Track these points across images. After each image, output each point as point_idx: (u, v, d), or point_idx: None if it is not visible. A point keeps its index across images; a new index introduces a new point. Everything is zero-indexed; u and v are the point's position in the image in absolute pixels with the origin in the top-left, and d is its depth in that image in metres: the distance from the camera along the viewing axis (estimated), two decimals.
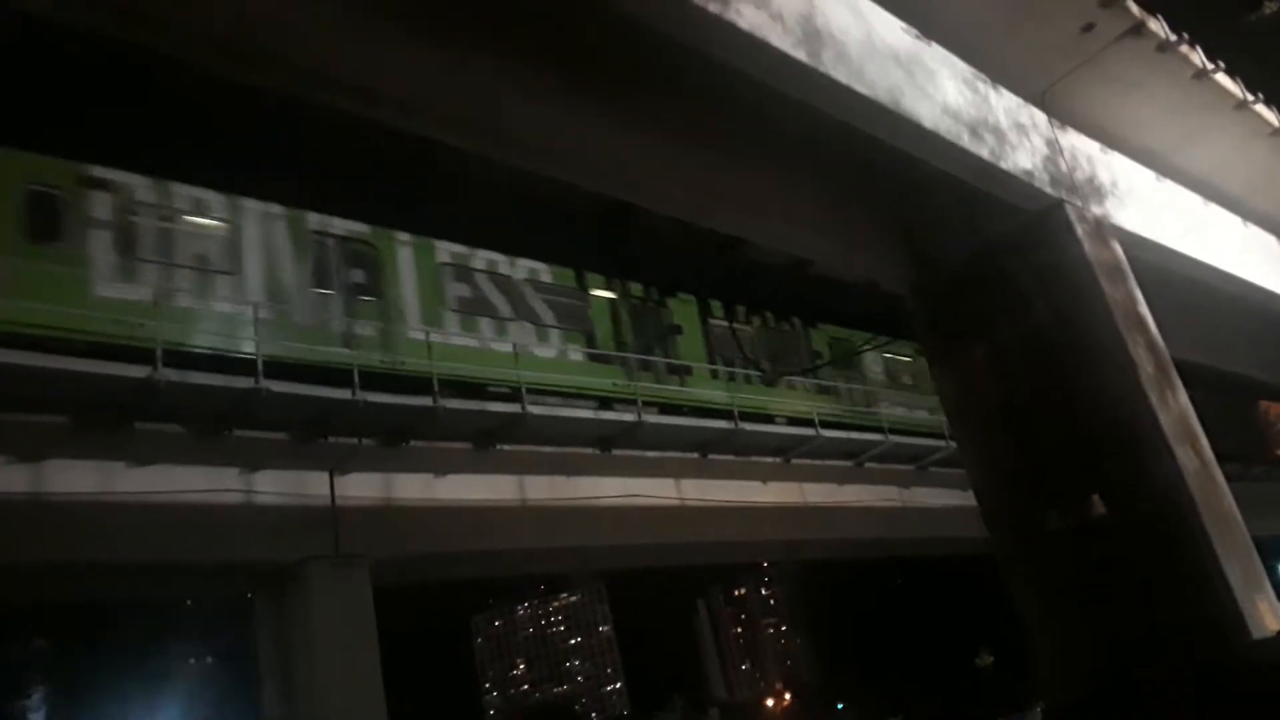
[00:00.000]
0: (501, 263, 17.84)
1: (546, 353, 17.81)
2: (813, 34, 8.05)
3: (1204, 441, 10.17)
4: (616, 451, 18.63)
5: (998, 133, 10.12)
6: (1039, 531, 10.17)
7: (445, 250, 17.07)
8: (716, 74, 7.86)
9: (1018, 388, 10.63)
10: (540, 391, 16.86)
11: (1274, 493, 30.10)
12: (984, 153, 9.73)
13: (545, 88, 8.34)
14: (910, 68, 9.25)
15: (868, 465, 22.95)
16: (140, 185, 13.75)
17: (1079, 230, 10.54)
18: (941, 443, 22.46)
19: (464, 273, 17.29)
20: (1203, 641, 8.77)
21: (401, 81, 7.82)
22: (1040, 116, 11.03)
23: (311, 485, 15.05)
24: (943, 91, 9.56)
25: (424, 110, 8.29)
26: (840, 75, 8.25)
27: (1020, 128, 10.55)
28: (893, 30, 9.28)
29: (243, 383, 13.37)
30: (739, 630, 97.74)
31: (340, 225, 15.89)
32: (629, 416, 18.13)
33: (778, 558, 29.15)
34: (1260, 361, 18.42)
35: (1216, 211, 14.07)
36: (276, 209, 15.06)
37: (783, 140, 9.31)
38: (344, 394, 14.50)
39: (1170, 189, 13.12)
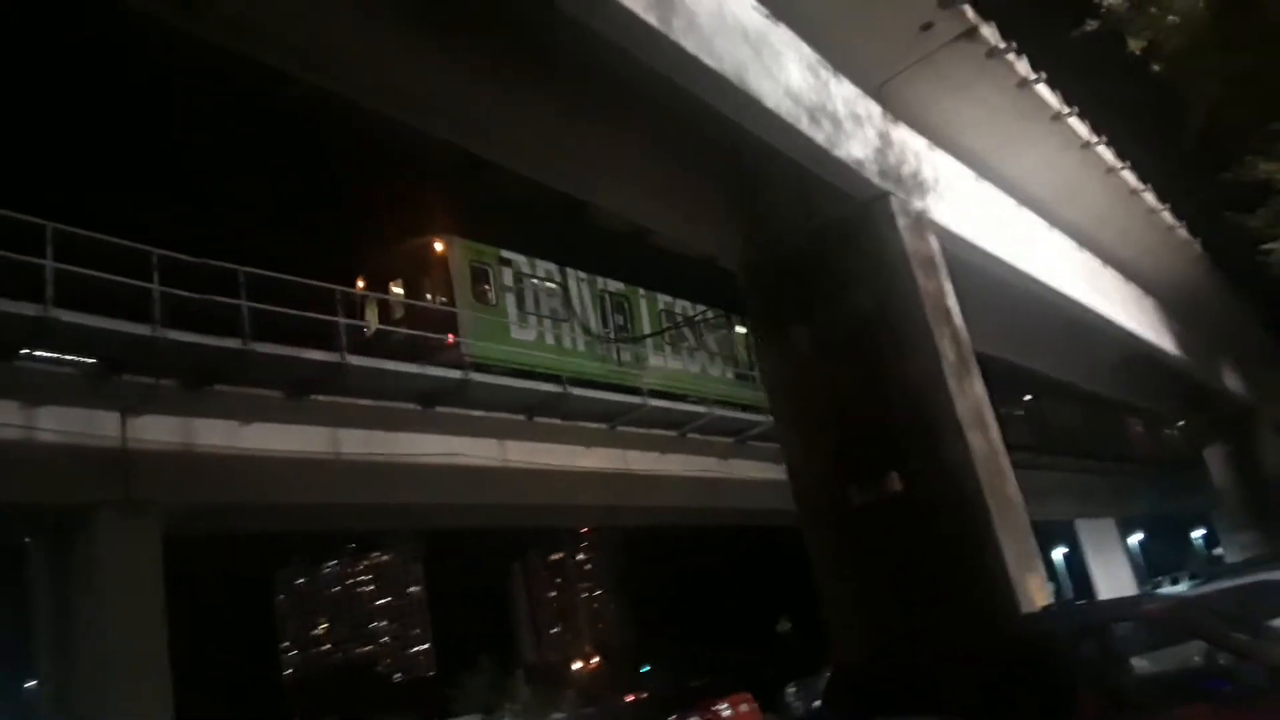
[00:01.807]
0: (687, 306, 24.18)
1: (715, 371, 24.40)
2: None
3: (994, 428, 10.93)
4: (440, 409, 18.23)
5: (835, 120, 10.42)
6: (842, 506, 10.67)
7: (660, 299, 23.57)
8: (568, 30, 7.69)
9: (835, 369, 11.06)
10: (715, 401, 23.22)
11: (1053, 481, 32.96)
12: (820, 138, 10.00)
13: (388, 27, 7.96)
14: (758, 46, 9.36)
15: (690, 436, 23.45)
16: (522, 260, 20.27)
17: (900, 222, 11.04)
18: (761, 417, 23.27)
19: (670, 315, 23.69)
20: (980, 613, 9.46)
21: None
22: (875, 109, 11.43)
23: (102, 425, 13.94)
24: (787, 74, 9.74)
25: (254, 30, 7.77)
26: (689, 45, 8.23)
27: (856, 118, 10.90)
28: (744, 7, 9.35)
29: (29, 309, 12.28)
30: (553, 594, 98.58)
31: (612, 285, 22.34)
32: (454, 373, 17.77)
33: (597, 523, 29.46)
34: (1052, 359, 19.96)
35: (1026, 215, 15.07)
36: (582, 274, 21.55)
37: (632, 106, 9.23)
38: (142, 329, 13.54)
39: (987, 190, 13.93)
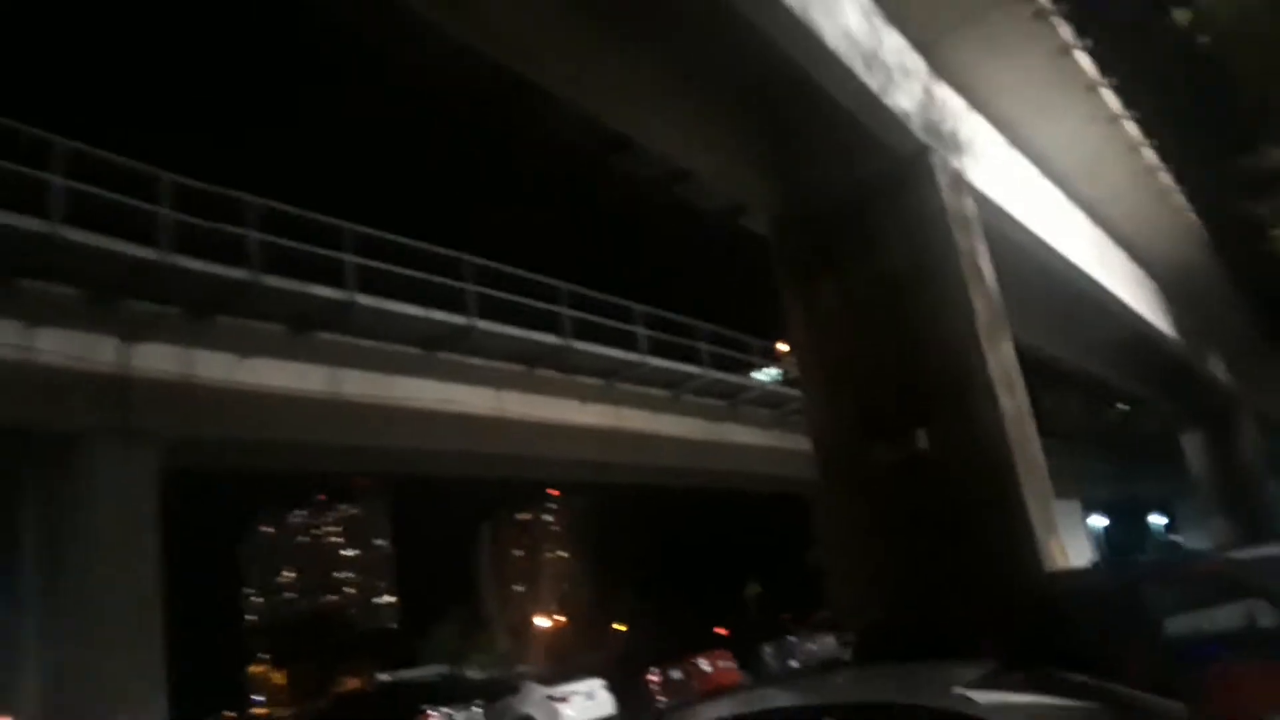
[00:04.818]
0: None
1: None
2: None
3: (1023, 391, 10.90)
4: (441, 355, 18.01)
5: (886, 70, 10.25)
6: (867, 464, 10.61)
7: None
8: None
9: (865, 325, 10.98)
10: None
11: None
12: (874, 85, 9.83)
13: None
14: None
15: (684, 397, 23.39)
16: None
17: (941, 179, 10.91)
18: (755, 382, 23.25)
19: None
20: (1007, 570, 9.47)
21: None
22: (921, 63, 11.25)
23: (101, 351, 13.56)
24: (845, 15, 9.53)
25: None
26: None
27: (905, 70, 10.73)
28: None
29: (33, 224, 11.87)
30: (520, 553, 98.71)
31: None
32: (459, 319, 17.55)
33: (589, 478, 29.44)
34: (1050, 333, 19.94)
35: (1049, 187, 15.01)
36: None
37: (689, 40, 8.99)
38: (148, 253, 13.17)
39: (1016, 158, 13.84)
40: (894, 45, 10.57)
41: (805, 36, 8.71)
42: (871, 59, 9.85)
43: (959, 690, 3.98)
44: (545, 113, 10.64)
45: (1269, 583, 6.55)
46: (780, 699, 4.50)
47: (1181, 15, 10.32)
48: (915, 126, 10.68)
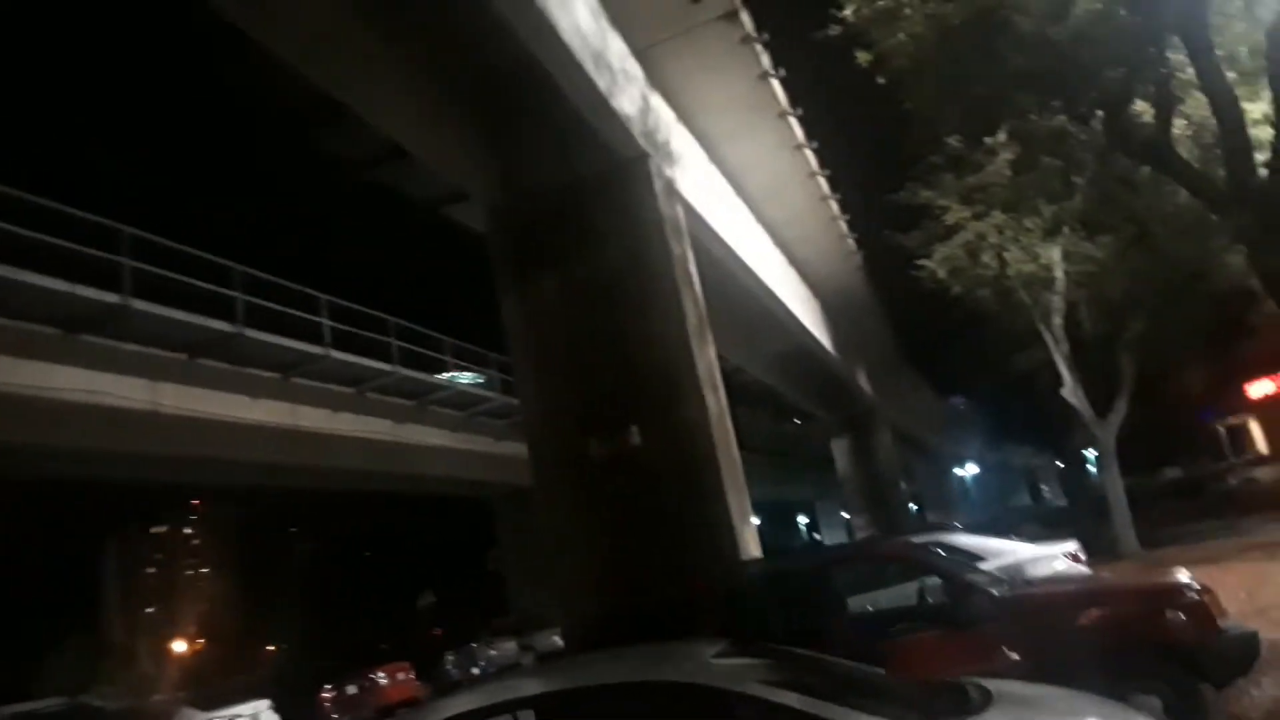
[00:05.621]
0: None
1: None
2: None
3: (723, 390, 11.47)
4: (86, 338, 15.62)
5: (611, 72, 10.35)
6: (582, 459, 10.61)
7: None
8: None
9: (581, 323, 10.98)
10: None
11: None
12: (601, 84, 9.87)
13: None
14: None
15: (369, 396, 22.24)
16: None
17: (656, 185, 11.21)
18: (446, 381, 22.67)
19: None
20: (710, 558, 9.87)
21: None
22: (639, 71, 11.51)
23: None
24: (576, 12, 9.50)
25: None
26: None
27: (626, 74, 10.91)
28: None
29: None
30: (153, 570, 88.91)
31: None
32: (111, 297, 15.33)
33: (257, 481, 26.93)
34: (729, 342, 21.33)
35: (741, 206, 16.02)
36: None
37: (421, 17, 8.47)
38: None
39: (714, 174, 14.61)
40: (618, 49, 10.73)
41: (541, 24, 8.56)
42: (599, 58, 9.91)
43: (706, 663, 4.04)
44: (241, 71, 9.56)
45: (939, 562, 7.36)
46: (528, 687, 4.27)
47: (864, 56, 11.29)
48: (635, 131, 10.90)
